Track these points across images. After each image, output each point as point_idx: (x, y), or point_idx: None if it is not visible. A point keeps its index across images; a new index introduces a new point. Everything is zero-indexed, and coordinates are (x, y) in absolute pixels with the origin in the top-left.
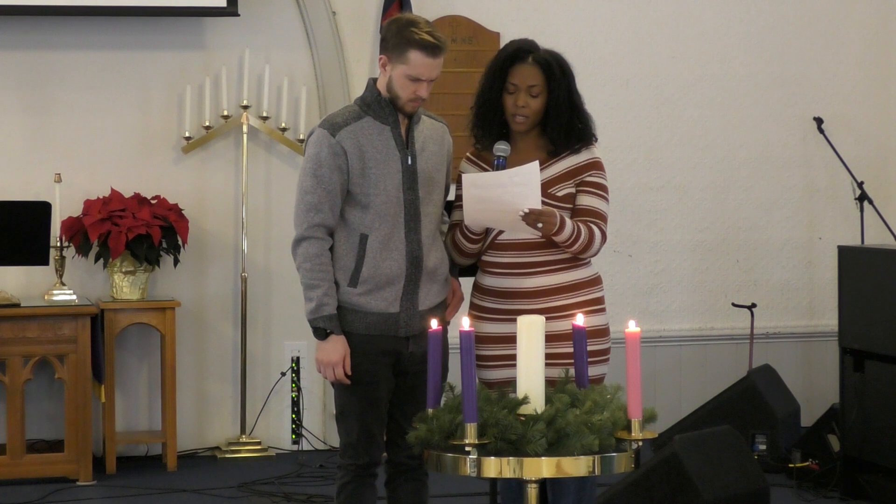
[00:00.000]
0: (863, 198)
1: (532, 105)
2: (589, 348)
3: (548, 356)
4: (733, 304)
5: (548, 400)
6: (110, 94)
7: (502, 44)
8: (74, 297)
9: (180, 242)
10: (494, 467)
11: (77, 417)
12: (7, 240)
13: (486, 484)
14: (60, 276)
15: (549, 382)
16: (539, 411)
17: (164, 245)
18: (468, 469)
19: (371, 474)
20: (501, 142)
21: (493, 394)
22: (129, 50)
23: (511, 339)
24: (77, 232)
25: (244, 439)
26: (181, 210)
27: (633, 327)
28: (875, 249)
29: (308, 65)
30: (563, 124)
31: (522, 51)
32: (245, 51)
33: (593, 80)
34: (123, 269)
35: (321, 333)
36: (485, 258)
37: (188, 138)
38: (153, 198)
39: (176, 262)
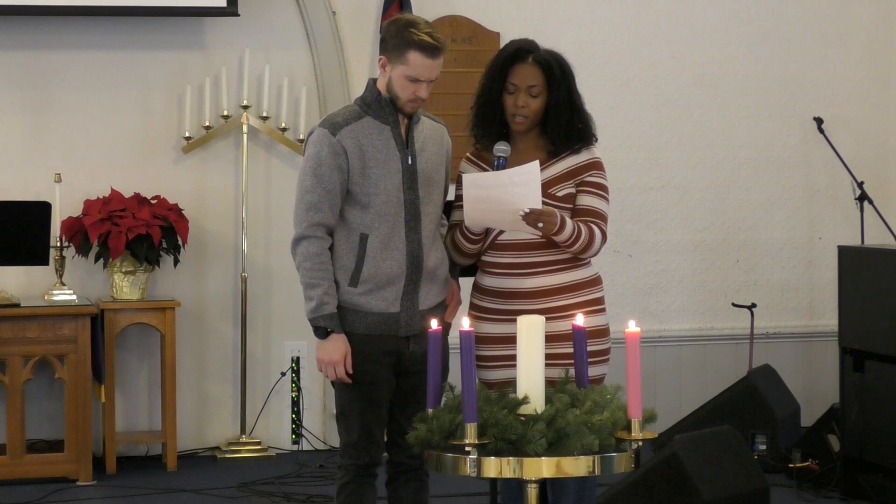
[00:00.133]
0: (863, 198)
1: (532, 105)
2: (589, 348)
3: (548, 356)
4: (733, 304)
5: (548, 400)
6: (110, 94)
7: (502, 44)
8: (74, 297)
9: (180, 242)
10: (494, 467)
11: (77, 417)
12: (7, 240)
13: (486, 484)
14: (60, 276)
15: (549, 383)
16: (539, 411)
17: (164, 245)
18: (468, 469)
19: (371, 474)
20: (502, 142)
21: (493, 394)
22: (129, 50)
23: (511, 340)
24: (77, 232)
25: (244, 439)
26: (181, 210)
27: (633, 327)
28: (875, 249)
29: (308, 65)
30: (563, 124)
31: (522, 51)
32: (245, 51)
33: (593, 80)
34: (123, 269)
35: (322, 332)
36: (484, 258)
37: (188, 138)
38: (153, 198)
39: (176, 262)
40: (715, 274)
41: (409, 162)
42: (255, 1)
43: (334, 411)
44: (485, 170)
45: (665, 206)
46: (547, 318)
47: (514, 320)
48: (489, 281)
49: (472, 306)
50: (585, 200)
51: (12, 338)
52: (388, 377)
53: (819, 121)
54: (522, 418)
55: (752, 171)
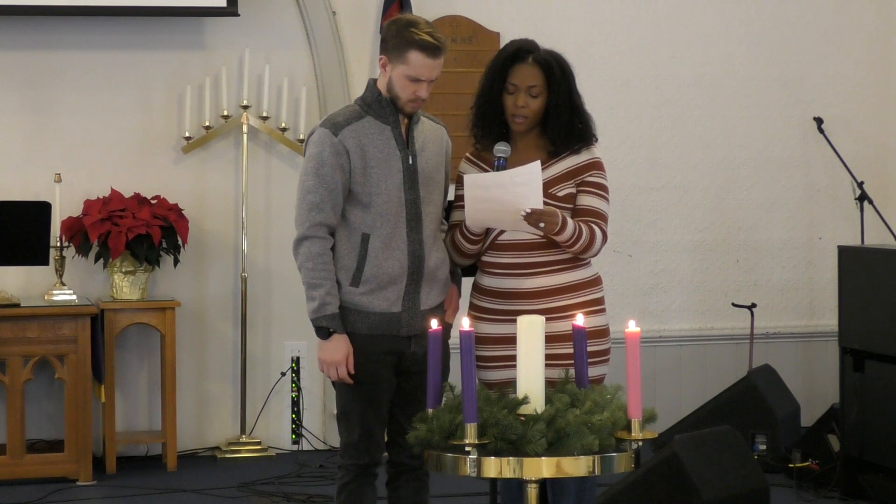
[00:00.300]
0: (863, 198)
1: (532, 105)
2: (589, 349)
3: (548, 357)
4: (733, 304)
5: (548, 400)
6: (110, 94)
7: (502, 44)
8: (74, 297)
9: (180, 242)
10: (494, 467)
11: (77, 417)
12: (7, 240)
13: (486, 484)
14: (60, 276)
15: (549, 383)
16: (539, 411)
17: (164, 245)
18: (468, 469)
19: (371, 474)
20: (502, 143)
21: (493, 394)
22: (129, 50)
23: (511, 340)
24: (77, 232)
25: (244, 439)
26: (181, 210)
27: (633, 327)
28: (875, 249)
29: (308, 65)
30: (564, 125)
31: (523, 51)
32: (245, 51)
33: (593, 80)
34: (123, 269)
35: (324, 333)
36: (485, 258)
37: (188, 138)
38: (153, 198)
39: (176, 262)
40: (715, 274)
41: (410, 162)
42: (255, 1)
43: (334, 411)
44: (485, 170)
45: (665, 206)
46: (547, 319)
47: (514, 320)
48: (489, 281)
49: (472, 306)
50: (586, 200)
51: (12, 338)
52: (389, 377)
53: (819, 121)
54: (522, 418)
55: (752, 171)
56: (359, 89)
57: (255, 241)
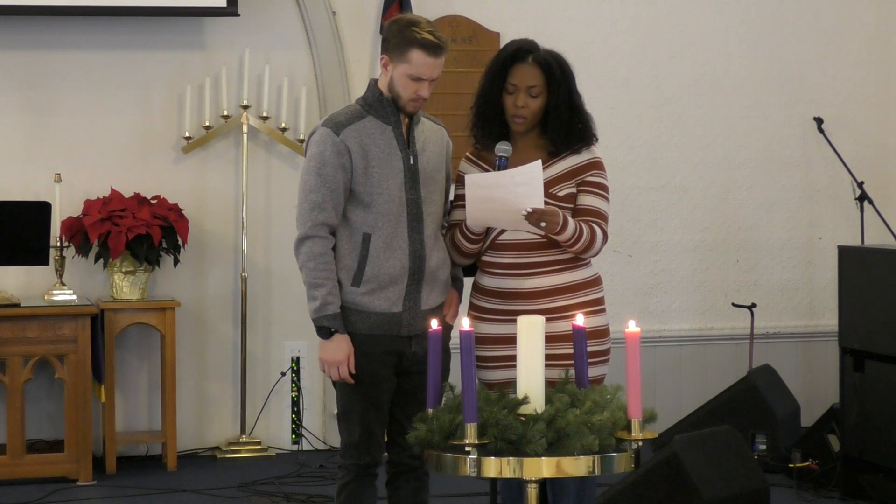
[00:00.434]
0: (863, 198)
1: (532, 105)
2: (589, 349)
3: (548, 357)
4: (733, 304)
5: (548, 400)
6: (110, 94)
7: (502, 44)
8: (74, 297)
9: (180, 242)
10: (494, 467)
11: (77, 417)
12: (7, 240)
13: (486, 484)
14: (60, 276)
15: (550, 383)
16: (539, 411)
17: (164, 245)
18: (468, 469)
19: (372, 474)
20: (503, 142)
21: (493, 394)
22: (129, 50)
23: (511, 340)
24: (77, 232)
25: (244, 439)
26: (181, 210)
27: (633, 327)
28: (875, 249)
29: (308, 65)
30: (564, 125)
31: (522, 51)
32: (245, 51)
33: (593, 80)
34: (123, 269)
35: (325, 332)
36: (485, 258)
37: (188, 138)
38: (153, 198)
39: (176, 262)
40: (715, 274)
41: (411, 162)
42: (255, 1)
43: (334, 411)
44: (485, 169)
45: (665, 206)
46: (547, 319)
47: (514, 321)
48: (489, 281)
49: (472, 306)
50: (586, 200)
51: (12, 338)
52: (390, 377)
53: (819, 121)
54: (522, 418)
55: (752, 171)
56: (359, 89)
57: (255, 241)
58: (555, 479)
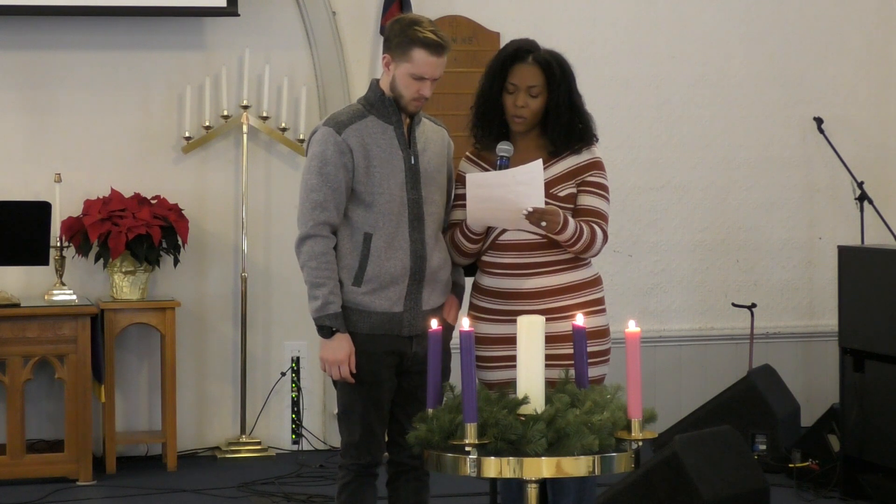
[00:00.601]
0: (863, 198)
1: (531, 105)
2: (589, 349)
3: (548, 357)
4: (733, 304)
5: (548, 400)
6: (110, 94)
7: (502, 44)
8: (74, 297)
9: (180, 242)
10: (494, 467)
11: (77, 417)
12: (7, 240)
13: (486, 484)
14: (60, 276)
15: (550, 384)
16: (539, 411)
17: (164, 245)
18: (468, 469)
19: (372, 474)
20: (504, 142)
21: (493, 394)
22: (129, 50)
23: (511, 340)
24: (77, 232)
25: (244, 439)
26: (181, 210)
27: (633, 327)
28: (875, 249)
29: (308, 65)
30: (564, 125)
31: (523, 50)
32: (245, 51)
33: (593, 80)
34: (123, 269)
35: (326, 332)
36: (485, 258)
37: (188, 138)
38: (153, 198)
39: (176, 262)
40: (715, 274)
41: (412, 162)
42: (255, 1)
43: (334, 411)
44: (485, 169)
45: (665, 206)
46: (547, 319)
47: (514, 321)
48: (489, 281)
49: (472, 307)
50: (586, 200)
51: (12, 338)
52: (391, 377)
53: (819, 121)
54: (522, 418)
55: (752, 171)
56: (359, 89)
57: (255, 241)
58: (555, 479)
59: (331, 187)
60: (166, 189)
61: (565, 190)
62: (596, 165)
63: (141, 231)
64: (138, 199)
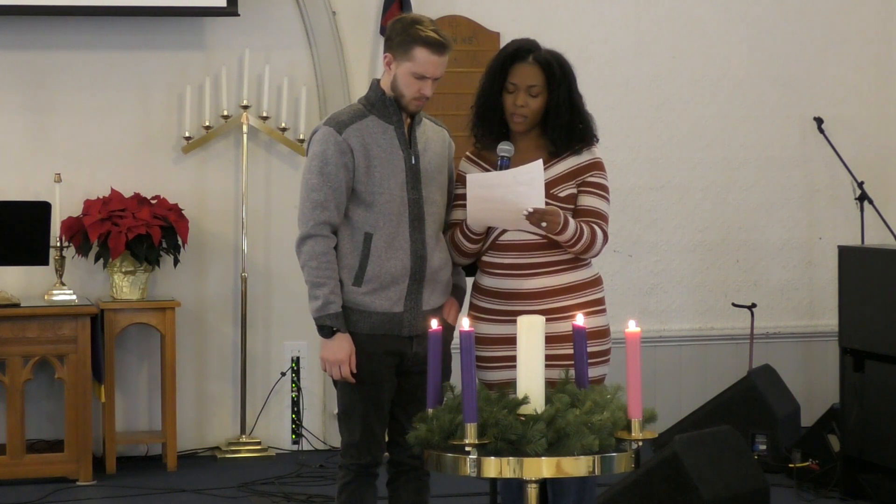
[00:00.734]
0: (863, 198)
1: (531, 105)
2: (589, 349)
3: (548, 357)
4: (733, 304)
5: (548, 400)
6: (110, 94)
7: (502, 44)
8: (74, 297)
9: (180, 242)
10: (494, 467)
11: (77, 417)
12: (7, 240)
13: (486, 484)
14: (60, 276)
15: (550, 384)
16: (539, 411)
17: (164, 245)
18: (468, 469)
19: (372, 474)
20: (505, 142)
21: (493, 394)
22: (129, 50)
23: (511, 341)
24: (77, 232)
25: (244, 439)
26: (181, 210)
27: (633, 327)
28: (875, 249)
29: (308, 65)
30: (564, 125)
31: (523, 50)
32: (245, 51)
33: (593, 80)
34: (123, 269)
35: (327, 332)
36: (485, 259)
37: (188, 138)
38: (153, 198)
39: (176, 262)
40: (715, 274)
41: (413, 162)
42: (255, 1)
43: (334, 411)
44: (485, 169)
45: (665, 206)
46: (547, 320)
47: (514, 321)
48: (489, 282)
49: (472, 307)
50: (586, 201)
51: (12, 338)
52: (391, 377)
53: (819, 121)
54: (522, 418)
55: (752, 171)
56: (359, 89)
57: (255, 241)
58: (555, 479)
59: (331, 187)
60: (166, 189)
61: (566, 190)
62: (596, 166)
63: (141, 231)
64: (138, 199)
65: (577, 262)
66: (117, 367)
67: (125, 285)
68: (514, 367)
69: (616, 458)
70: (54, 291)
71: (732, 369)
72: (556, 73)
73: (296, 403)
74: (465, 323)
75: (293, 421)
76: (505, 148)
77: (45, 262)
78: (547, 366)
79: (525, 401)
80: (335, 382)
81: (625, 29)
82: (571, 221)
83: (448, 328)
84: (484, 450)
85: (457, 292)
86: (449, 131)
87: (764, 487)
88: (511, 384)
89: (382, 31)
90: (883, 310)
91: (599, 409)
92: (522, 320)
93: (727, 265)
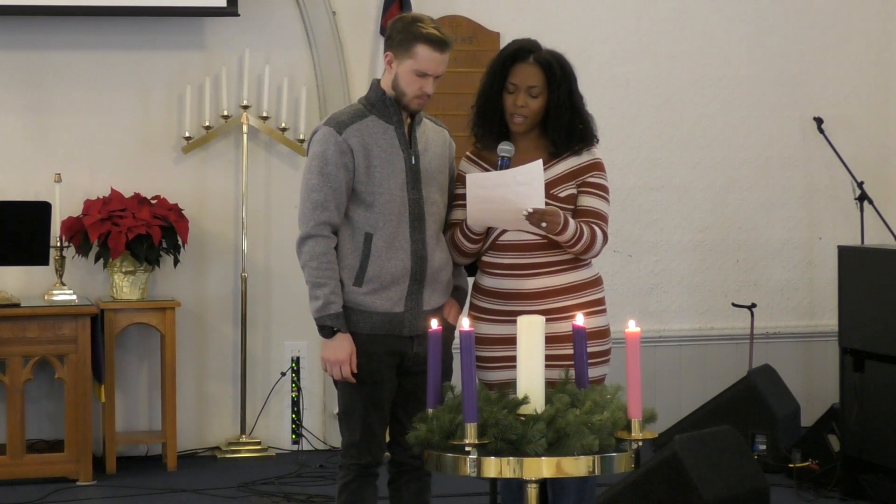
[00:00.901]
0: (863, 198)
1: (531, 105)
2: (589, 349)
3: (548, 358)
4: (733, 304)
5: (548, 400)
6: (110, 94)
7: (502, 44)
8: (74, 297)
9: (180, 242)
10: (494, 467)
11: (77, 417)
12: (7, 240)
13: (486, 484)
14: (60, 276)
15: (550, 384)
16: (539, 411)
17: (164, 245)
18: (468, 469)
19: (372, 474)
20: (505, 142)
21: (494, 394)
22: (129, 50)
23: (511, 341)
24: (77, 232)
25: (244, 439)
26: (181, 210)
27: (633, 327)
28: (875, 249)
29: (308, 65)
30: (564, 125)
31: (524, 50)
32: (245, 51)
33: (593, 80)
34: (123, 269)
35: (328, 332)
36: (485, 259)
37: (188, 138)
38: (153, 198)
39: (176, 262)
40: (715, 274)
41: (413, 162)
42: (255, 1)
43: (334, 411)
44: (485, 169)
45: (665, 206)
46: (547, 320)
47: (515, 321)
48: (489, 282)
49: (473, 307)
50: (586, 201)
51: (12, 338)
52: (392, 377)
53: (819, 121)
54: (522, 418)
55: (752, 171)
56: (359, 89)
57: (255, 241)
58: (555, 479)
59: (331, 187)
60: (166, 189)
61: (566, 191)
62: (596, 166)
63: (141, 231)
64: (138, 199)
65: (577, 262)
66: (117, 367)
67: (125, 285)
68: (515, 367)
69: (616, 458)
70: (54, 291)
71: (732, 369)
72: (557, 73)
73: (296, 403)
74: (465, 323)
75: (293, 421)
76: (505, 148)
77: (45, 262)
78: (547, 366)
79: (525, 401)
80: (336, 382)
81: (625, 29)
82: (571, 222)
83: (449, 328)
84: (484, 450)
85: (458, 293)
86: (450, 131)
87: (764, 487)
88: (511, 384)
89: (382, 31)
90: (883, 310)
91: (599, 409)
92: (522, 320)
93: (727, 265)
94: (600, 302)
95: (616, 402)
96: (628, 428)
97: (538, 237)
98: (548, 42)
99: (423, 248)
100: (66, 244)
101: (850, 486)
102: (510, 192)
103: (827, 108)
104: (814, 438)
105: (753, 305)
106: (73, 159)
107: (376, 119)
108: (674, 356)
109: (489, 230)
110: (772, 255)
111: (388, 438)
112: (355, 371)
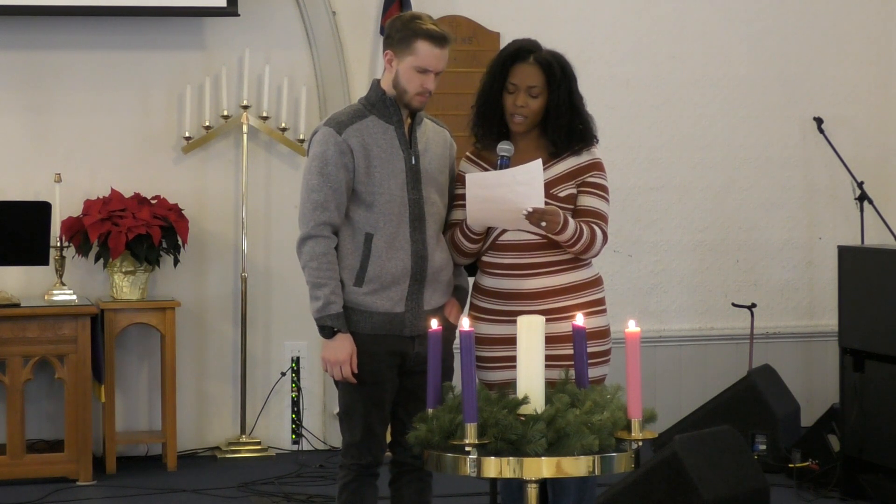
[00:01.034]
0: (863, 198)
1: (531, 105)
2: (589, 349)
3: (548, 358)
4: (733, 304)
5: (548, 400)
6: (110, 94)
7: (502, 44)
8: (74, 297)
9: (180, 242)
10: (494, 467)
11: (77, 417)
12: (7, 240)
13: (486, 484)
14: (60, 276)
15: (550, 384)
16: (539, 411)
17: (164, 245)
18: (468, 469)
19: (373, 474)
20: (505, 142)
21: (494, 394)
22: (129, 50)
23: (511, 341)
24: (77, 232)
25: (244, 439)
26: (181, 210)
27: (633, 327)
28: (875, 249)
29: (308, 65)
30: (564, 125)
31: (524, 50)
32: (245, 51)
33: (593, 80)
34: (123, 269)
35: (328, 332)
36: (485, 259)
37: (188, 138)
38: (153, 198)
39: (176, 262)
40: (715, 274)
41: (413, 162)
42: (255, 1)
43: (334, 411)
44: (485, 169)
45: (665, 206)
46: (547, 320)
47: (515, 321)
48: (489, 282)
49: (473, 307)
50: (586, 201)
51: (12, 338)
52: (393, 377)
53: (819, 121)
54: (522, 418)
55: (752, 171)
56: (359, 89)
57: (255, 241)
58: (555, 479)
59: (331, 187)
60: (166, 189)
61: (565, 190)
62: (596, 166)
63: (141, 231)
64: (138, 199)
65: (577, 262)
66: (117, 367)
67: (125, 285)
68: (515, 367)
69: (616, 458)
70: (54, 291)
71: (732, 369)
72: (557, 73)
73: (296, 403)
74: (465, 323)
75: (293, 421)
76: (505, 148)
77: (45, 262)
78: (547, 366)
79: (525, 401)
80: (336, 382)
81: (625, 29)
82: (571, 221)
83: (450, 328)
84: (484, 450)
85: (459, 293)
86: (450, 131)
87: (764, 487)
88: (511, 384)
89: (382, 30)
90: (883, 310)
91: (599, 409)
92: (522, 320)
93: (727, 265)
94: (600, 302)
95: (616, 402)
96: (628, 428)
97: (538, 237)
98: (548, 42)
99: (424, 248)
100: (66, 244)
101: (850, 486)
102: (510, 191)
103: (827, 108)
104: (814, 438)
105: (753, 305)
106: (73, 159)
107: (376, 119)
108: (674, 356)
109: (489, 230)
110: (772, 255)
111: (389, 438)
112: (356, 371)
